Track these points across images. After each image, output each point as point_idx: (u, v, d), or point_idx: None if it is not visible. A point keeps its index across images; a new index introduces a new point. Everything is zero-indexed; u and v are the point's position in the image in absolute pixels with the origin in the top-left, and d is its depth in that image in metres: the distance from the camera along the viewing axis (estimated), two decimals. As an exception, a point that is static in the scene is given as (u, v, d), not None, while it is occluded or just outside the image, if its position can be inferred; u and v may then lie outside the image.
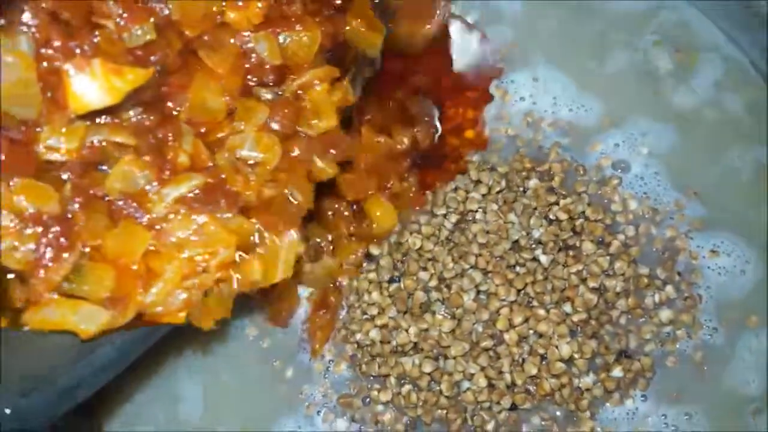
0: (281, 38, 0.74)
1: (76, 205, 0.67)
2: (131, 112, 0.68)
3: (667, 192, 0.98)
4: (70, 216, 0.67)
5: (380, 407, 0.92)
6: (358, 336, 0.93)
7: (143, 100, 0.69)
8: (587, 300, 0.91)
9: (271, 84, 0.75)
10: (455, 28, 1.06)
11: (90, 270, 0.68)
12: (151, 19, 0.67)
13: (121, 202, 0.69)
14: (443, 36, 1.05)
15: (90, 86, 0.64)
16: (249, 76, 0.74)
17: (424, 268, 0.94)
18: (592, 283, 0.92)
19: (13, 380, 0.70)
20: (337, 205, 0.95)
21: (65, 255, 0.66)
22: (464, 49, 1.05)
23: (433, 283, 0.93)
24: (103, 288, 0.68)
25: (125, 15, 0.65)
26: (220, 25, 0.73)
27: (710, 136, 1.00)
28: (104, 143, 0.67)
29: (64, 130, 0.66)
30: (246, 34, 0.73)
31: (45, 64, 0.64)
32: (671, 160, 0.99)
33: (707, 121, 1.00)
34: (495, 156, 1.00)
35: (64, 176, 0.67)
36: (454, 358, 0.90)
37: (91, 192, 0.68)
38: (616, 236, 0.95)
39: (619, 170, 0.99)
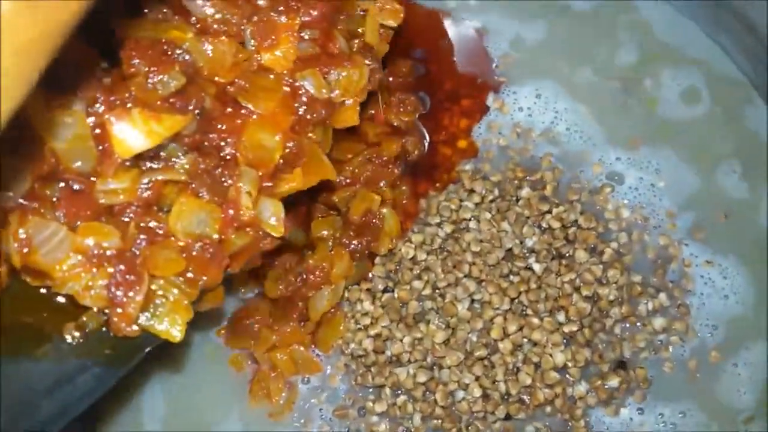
0: (333, 75, 0.78)
1: (143, 243, 0.71)
2: (184, 158, 0.72)
3: (661, 202, 0.98)
4: (137, 253, 0.71)
5: (375, 418, 0.91)
6: (352, 346, 0.93)
7: (192, 145, 0.72)
8: (581, 309, 0.91)
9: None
10: (461, 34, 1.06)
11: (167, 311, 0.72)
12: (177, 68, 0.70)
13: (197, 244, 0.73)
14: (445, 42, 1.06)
15: (131, 132, 0.69)
16: (301, 113, 0.77)
17: (418, 278, 0.94)
18: (585, 292, 0.92)
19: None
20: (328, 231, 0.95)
21: (136, 288, 0.70)
22: (467, 57, 1.05)
23: (427, 292, 0.93)
24: (178, 325, 0.72)
25: (152, 69, 0.69)
26: (259, 68, 0.75)
27: (710, 157, 1.00)
28: (159, 183, 0.71)
29: (113, 174, 0.71)
30: (285, 72, 0.76)
31: (93, 119, 0.69)
32: (669, 178, 0.99)
33: (708, 144, 1.00)
34: (487, 165, 1.00)
35: (127, 219, 0.71)
36: (449, 367, 0.90)
37: (160, 231, 0.71)
38: (609, 244, 0.95)
39: (613, 180, 0.99)
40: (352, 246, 0.94)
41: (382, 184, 0.98)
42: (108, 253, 0.70)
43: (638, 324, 0.93)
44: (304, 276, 0.92)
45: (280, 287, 0.92)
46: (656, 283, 0.95)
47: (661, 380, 0.92)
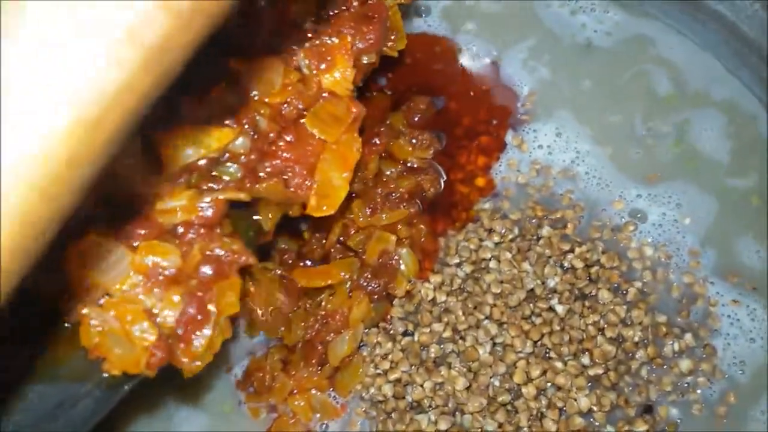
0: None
1: (210, 272, 0.70)
2: (247, 182, 0.72)
3: (684, 239, 0.96)
4: (203, 284, 0.69)
5: (397, 467, 0.89)
6: (372, 391, 0.91)
7: (251, 165, 0.72)
8: (605, 351, 0.89)
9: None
10: (480, 71, 1.05)
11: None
12: (223, 85, 0.71)
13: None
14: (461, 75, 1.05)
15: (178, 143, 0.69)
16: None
17: (438, 320, 0.92)
18: (609, 333, 0.90)
19: None
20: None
21: (205, 325, 0.69)
22: (487, 94, 1.03)
23: (447, 334, 0.91)
24: (199, 361, 0.71)
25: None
26: (318, 91, 0.75)
27: (732, 192, 0.98)
28: (221, 202, 0.70)
29: (170, 193, 0.70)
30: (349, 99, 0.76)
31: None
32: (692, 214, 0.97)
33: (730, 178, 0.99)
34: (506, 203, 0.98)
35: (191, 240, 0.70)
36: (471, 413, 0.88)
37: (227, 260, 0.70)
38: (633, 283, 0.93)
39: (635, 218, 0.97)
40: (370, 288, 0.92)
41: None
42: (167, 272, 0.68)
43: (664, 366, 0.91)
44: (324, 320, 0.90)
45: (299, 332, 0.90)
46: (681, 323, 0.93)
47: (689, 424, 0.89)
